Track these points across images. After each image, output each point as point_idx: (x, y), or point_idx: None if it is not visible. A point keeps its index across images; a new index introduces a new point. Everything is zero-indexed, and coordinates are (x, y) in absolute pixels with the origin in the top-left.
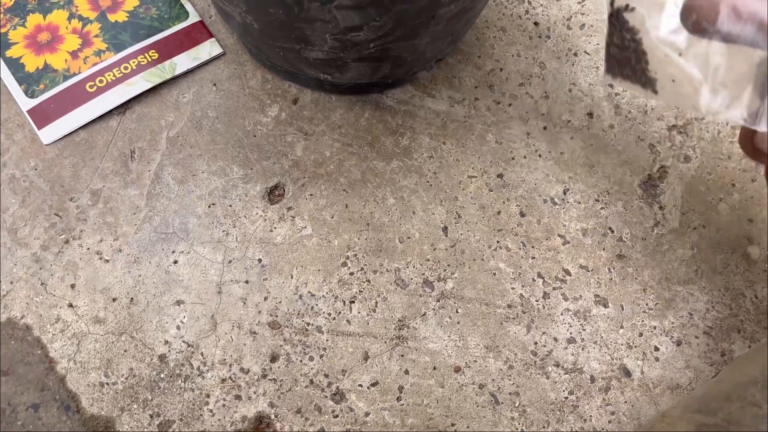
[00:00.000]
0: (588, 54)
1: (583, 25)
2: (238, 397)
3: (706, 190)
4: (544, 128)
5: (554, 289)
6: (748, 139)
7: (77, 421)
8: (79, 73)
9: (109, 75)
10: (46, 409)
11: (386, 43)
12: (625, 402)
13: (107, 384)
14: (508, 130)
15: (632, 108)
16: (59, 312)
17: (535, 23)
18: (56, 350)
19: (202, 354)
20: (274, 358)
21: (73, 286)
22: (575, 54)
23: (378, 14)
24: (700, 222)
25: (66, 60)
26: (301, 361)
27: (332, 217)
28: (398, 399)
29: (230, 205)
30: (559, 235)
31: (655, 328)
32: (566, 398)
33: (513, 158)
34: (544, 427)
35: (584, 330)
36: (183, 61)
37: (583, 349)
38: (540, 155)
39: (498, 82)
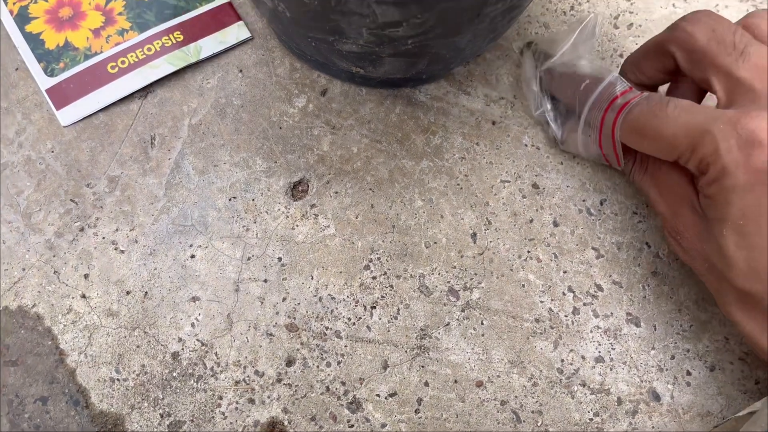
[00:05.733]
0: None
1: (631, 24)
2: (251, 401)
3: None
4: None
5: (585, 304)
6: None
7: (86, 416)
8: (101, 52)
9: (131, 56)
10: (55, 402)
11: (425, 40)
12: (653, 427)
13: (118, 380)
14: (546, 133)
15: None
16: (71, 302)
17: (580, 21)
18: (67, 342)
19: (216, 354)
20: (290, 362)
21: (86, 276)
22: (620, 55)
23: (420, 11)
24: None
25: (88, 38)
26: (317, 366)
27: (357, 217)
28: (416, 411)
29: (252, 200)
30: (593, 248)
31: (688, 351)
32: (591, 420)
33: (549, 163)
34: None
35: (614, 349)
36: (209, 45)
37: (611, 369)
38: (578, 162)
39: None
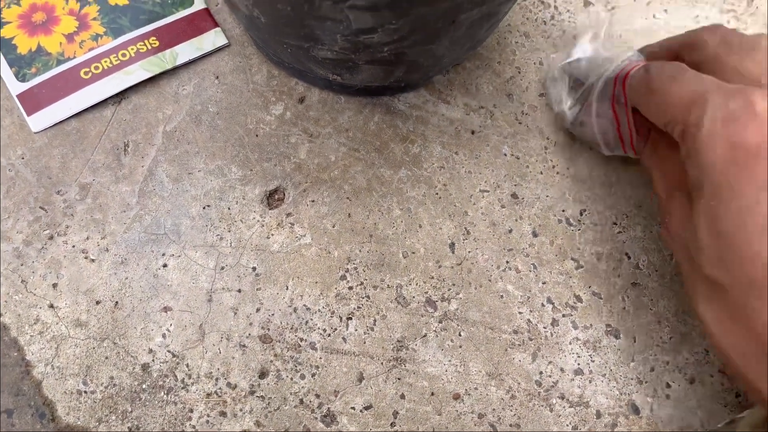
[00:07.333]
0: None
1: (610, 35)
2: (223, 414)
3: None
4: (564, 143)
5: (564, 315)
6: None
7: (52, 430)
8: (74, 57)
9: (105, 62)
10: (20, 415)
11: (401, 47)
12: None
13: (85, 392)
14: (526, 143)
15: None
16: (39, 312)
17: (562, 31)
18: (33, 353)
19: (187, 366)
20: (263, 374)
21: (55, 285)
22: None
23: (394, 17)
24: None
25: (61, 43)
26: (291, 379)
27: (333, 227)
28: (392, 425)
29: (228, 208)
30: (572, 259)
31: (668, 363)
32: None
33: (529, 173)
34: None
35: (593, 361)
36: (185, 51)
37: (590, 381)
38: (558, 172)
39: (517, 91)
